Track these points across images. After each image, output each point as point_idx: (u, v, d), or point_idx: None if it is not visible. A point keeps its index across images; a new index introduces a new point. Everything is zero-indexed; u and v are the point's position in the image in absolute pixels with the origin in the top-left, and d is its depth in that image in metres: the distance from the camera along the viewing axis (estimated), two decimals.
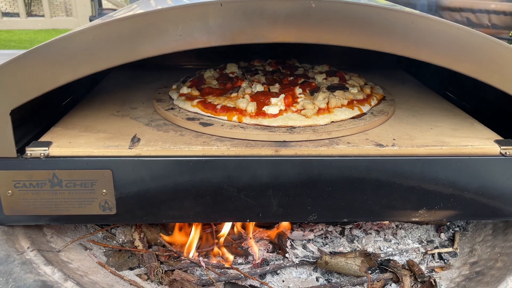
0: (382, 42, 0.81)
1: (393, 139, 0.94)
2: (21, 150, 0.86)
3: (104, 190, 0.86)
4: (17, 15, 4.70)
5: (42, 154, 0.85)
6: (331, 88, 1.09)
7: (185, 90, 1.12)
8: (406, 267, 1.01)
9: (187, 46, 0.79)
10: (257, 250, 1.06)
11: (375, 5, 0.80)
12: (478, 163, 0.90)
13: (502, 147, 0.91)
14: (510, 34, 4.01)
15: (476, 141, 0.94)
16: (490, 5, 3.15)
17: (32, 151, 0.85)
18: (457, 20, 3.40)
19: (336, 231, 1.15)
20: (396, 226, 1.16)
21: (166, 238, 1.05)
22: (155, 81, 1.34)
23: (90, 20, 3.19)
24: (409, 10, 0.83)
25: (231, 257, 1.03)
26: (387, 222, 1.15)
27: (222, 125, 0.96)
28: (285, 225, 1.12)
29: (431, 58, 0.83)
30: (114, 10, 3.58)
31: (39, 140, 0.90)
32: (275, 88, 1.09)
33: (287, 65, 1.33)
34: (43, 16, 4.57)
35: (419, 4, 3.42)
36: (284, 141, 0.92)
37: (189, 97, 1.08)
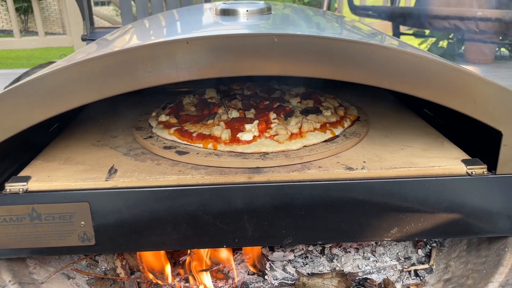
0: (344, 73, 0.84)
1: (363, 161, 0.97)
2: (0, 186, 0.89)
3: (82, 222, 0.89)
4: (12, 32, 4.74)
5: (21, 190, 0.88)
6: (305, 112, 1.12)
7: (163, 117, 1.15)
8: (382, 286, 1.03)
9: (157, 82, 0.82)
10: (237, 273, 1.08)
11: (335, 37, 0.83)
12: (446, 183, 0.93)
13: (468, 167, 0.94)
14: (500, 38, 4.06)
15: (444, 161, 0.97)
16: (477, 13, 3.18)
17: (11, 186, 0.88)
18: (446, 27, 3.43)
19: (316, 250, 1.17)
20: (375, 243, 1.19)
21: (147, 264, 1.07)
22: (138, 107, 1.37)
23: (82, 39, 3.23)
24: (369, 41, 0.86)
25: (209, 282, 1.05)
26: None
27: (197, 153, 0.99)
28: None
29: (393, 86, 0.86)
30: (106, 28, 3.63)
31: (18, 175, 0.93)
32: (251, 113, 1.12)
33: (265, 88, 1.36)
34: (37, 33, 4.60)
35: (408, 13, 3.46)
36: (257, 167, 0.95)
37: (167, 125, 1.11)
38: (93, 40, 2.63)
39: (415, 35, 4.23)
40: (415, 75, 0.85)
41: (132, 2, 3.19)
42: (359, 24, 1.38)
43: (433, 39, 4.58)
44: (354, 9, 3.59)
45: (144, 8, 3.20)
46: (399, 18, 3.38)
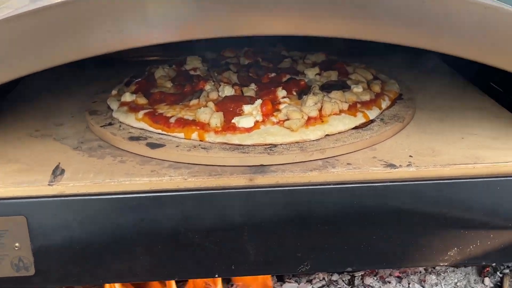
0: (385, 31, 0.84)
1: (410, 156, 0.96)
2: None
3: (17, 244, 0.87)
4: None
5: None
6: (327, 88, 1.11)
7: (128, 97, 1.13)
8: None
9: (118, 46, 0.81)
10: None
11: None
12: None
13: None
14: None
15: None
16: None
17: None
18: None
19: (343, 280, 1.17)
20: (424, 270, 1.18)
21: None
22: (91, 83, 1.35)
23: None
24: None
25: None
26: None
27: (177, 146, 0.98)
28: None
29: (451, 49, 0.85)
30: None
31: None
32: (250, 90, 1.11)
33: (269, 55, 1.34)
34: None
35: None
36: (262, 165, 0.93)
37: (134, 108, 1.09)
38: None
39: None
40: (483, 33, 0.83)
41: None
42: None
43: None
44: None
45: None
46: None
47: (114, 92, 1.21)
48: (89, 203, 0.88)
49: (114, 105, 1.14)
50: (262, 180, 0.90)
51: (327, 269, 1.09)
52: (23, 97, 1.30)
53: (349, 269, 0.97)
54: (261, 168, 0.92)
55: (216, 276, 0.97)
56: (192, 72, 1.25)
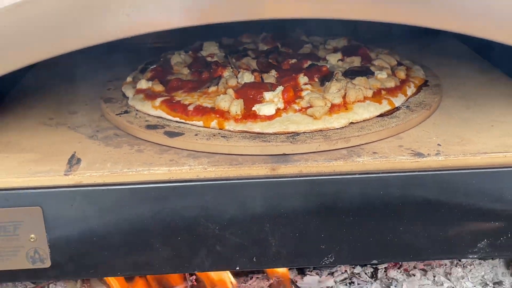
0: (416, 13, 0.81)
1: (438, 144, 0.94)
2: None
3: (32, 235, 0.87)
4: None
5: None
6: (350, 74, 1.10)
7: (143, 84, 1.12)
8: None
9: (137, 30, 0.80)
10: None
11: None
12: None
13: None
14: None
15: None
16: None
17: None
18: None
19: (366, 273, 1.16)
20: (450, 263, 1.17)
21: None
22: (105, 70, 1.35)
23: None
24: None
25: None
26: None
27: (196, 134, 0.97)
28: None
29: (481, 32, 0.83)
30: None
31: None
32: (271, 76, 1.10)
33: (289, 41, 1.33)
34: None
35: None
36: (284, 154, 0.92)
37: (150, 95, 1.08)
38: None
39: None
40: None
41: None
42: None
43: None
44: None
45: None
46: None
47: (129, 79, 1.20)
48: (107, 193, 0.88)
49: (129, 93, 1.14)
50: (284, 169, 0.90)
51: (351, 262, 1.08)
52: (34, 85, 1.30)
53: (374, 261, 0.95)
54: (283, 158, 0.92)
55: (237, 268, 0.96)
56: (209, 59, 1.23)
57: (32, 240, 0.87)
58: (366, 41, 1.34)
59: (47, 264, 0.89)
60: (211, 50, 1.28)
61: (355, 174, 0.89)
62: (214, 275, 1.10)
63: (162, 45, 1.49)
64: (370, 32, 1.45)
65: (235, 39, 1.38)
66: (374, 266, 1.16)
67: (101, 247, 0.90)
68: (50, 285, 1.11)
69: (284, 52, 1.26)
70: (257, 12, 0.79)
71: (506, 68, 1.30)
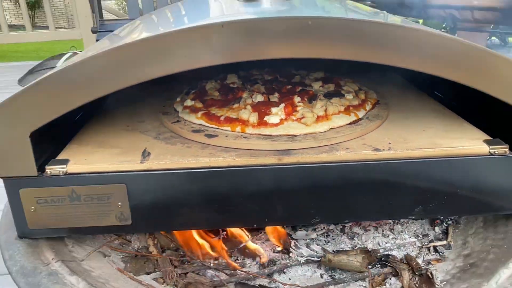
0: (374, 54, 0.82)
1: (389, 142, 0.95)
2: (41, 169, 0.87)
3: (119, 203, 0.87)
4: (22, 27, 4.67)
5: (61, 172, 0.86)
6: (328, 95, 1.10)
7: (189, 102, 1.12)
8: (404, 261, 1.02)
9: (191, 66, 0.80)
10: (264, 251, 1.07)
11: (368, 20, 0.80)
12: (469, 163, 0.91)
13: (491, 147, 0.92)
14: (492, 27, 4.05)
15: (467, 141, 0.95)
16: (473, 2, 3.15)
17: (52, 169, 0.86)
18: (442, 16, 3.40)
19: (337, 229, 1.16)
20: (393, 221, 1.17)
21: (182, 243, 1.06)
22: (159, 93, 1.34)
23: (92, 32, 3.16)
24: (398, 23, 0.84)
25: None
26: None
27: (226, 136, 0.97)
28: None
29: (422, 67, 0.83)
30: (114, 20, 3.57)
31: (56, 158, 0.91)
32: (275, 97, 1.10)
33: (284, 73, 1.33)
34: (47, 27, 4.52)
35: (405, 3, 3.41)
36: (287, 150, 0.92)
37: (193, 110, 1.08)
38: (104, 32, 2.58)
39: None
40: (444, 56, 0.83)
41: None
42: (375, 10, 1.35)
43: None
44: None
45: (150, 2, 3.15)
46: (396, 7, 3.34)
47: (178, 99, 1.20)
48: (168, 176, 0.88)
49: (179, 108, 1.14)
50: (287, 160, 0.90)
51: (329, 221, 1.09)
52: (115, 102, 1.30)
53: (347, 221, 0.97)
54: (286, 152, 0.92)
55: (255, 225, 0.97)
56: (231, 85, 1.24)
57: (119, 206, 0.88)
58: (335, 74, 1.35)
59: (129, 222, 0.89)
60: (232, 79, 1.28)
61: (334, 163, 0.90)
62: (236, 230, 1.10)
63: (199, 76, 1.49)
64: (338, 67, 1.45)
65: (247, 72, 1.38)
66: (343, 224, 1.16)
67: (164, 211, 0.90)
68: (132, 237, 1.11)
69: (281, 81, 1.26)
70: (262, 54, 0.79)
71: (428, 92, 1.31)
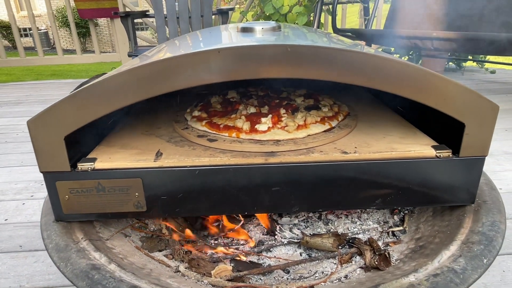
0: (343, 76, 0.81)
1: (355, 147, 0.94)
2: (73, 165, 0.86)
3: (136, 193, 0.87)
4: (74, 51, 4.69)
5: (89, 168, 0.86)
6: (308, 108, 1.09)
7: (196, 113, 1.11)
8: (368, 243, 1.01)
9: (194, 84, 0.79)
10: (254, 233, 1.06)
11: (337, 47, 0.79)
12: (419, 164, 0.90)
13: (437, 151, 0.91)
14: (449, 54, 4.02)
15: (418, 147, 0.93)
16: (432, 34, 3.12)
17: (82, 166, 0.86)
18: (408, 45, 3.36)
19: (315, 217, 1.14)
20: (361, 211, 1.16)
21: (186, 228, 1.05)
22: (174, 105, 1.34)
23: (128, 55, 3.19)
24: (365, 51, 0.82)
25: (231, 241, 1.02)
26: None
27: (224, 141, 0.96)
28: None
29: (383, 87, 0.82)
30: (147, 47, 3.58)
31: (87, 157, 0.90)
32: (265, 109, 1.09)
33: (274, 89, 1.32)
34: (93, 51, 4.55)
35: (378, 34, 3.39)
36: (272, 152, 0.92)
37: (199, 119, 1.08)
38: (137, 55, 2.58)
39: (383, 52, 4.16)
40: (400, 78, 0.81)
41: (166, 28, 3.17)
42: (348, 39, 1.33)
43: (397, 55, 4.50)
44: (337, 31, 3.53)
45: (175, 31, 3.17)
46: (371, 38, 3.32)
47: (188, 110, 1.19)
48: (176, 172, 0.87)
49: (188, 117, 1.13)
50: (272, 160, 0.89)
51: (308, 210, 1.08)
52: (138, 112, 1.29)
53: (320, 210, 0.95)
54: (271, 154, 0.91)
55: (245, 213, 0.95)
56: (231, 99, 1.23)
57: (136, 196, 0.87)
58: (317, 91, 1.33)
59: (144, 209, 0.89)
60: (232, 94, 1.27)
61: (310, 163, 0.89)
62: (231, 217, 1.09)
63: (207, 91, 1.48)
64: (320, 86, 1.44)
65: (245, 89, 1.38)
66: (319, 212, 1.15)
67: (173, 201, 0.89)
68: (148, 221, 1.10)
69: (272, 96, 1.25)
70: (251, 74, 0.78)
71: (392, 106, 1.30)
